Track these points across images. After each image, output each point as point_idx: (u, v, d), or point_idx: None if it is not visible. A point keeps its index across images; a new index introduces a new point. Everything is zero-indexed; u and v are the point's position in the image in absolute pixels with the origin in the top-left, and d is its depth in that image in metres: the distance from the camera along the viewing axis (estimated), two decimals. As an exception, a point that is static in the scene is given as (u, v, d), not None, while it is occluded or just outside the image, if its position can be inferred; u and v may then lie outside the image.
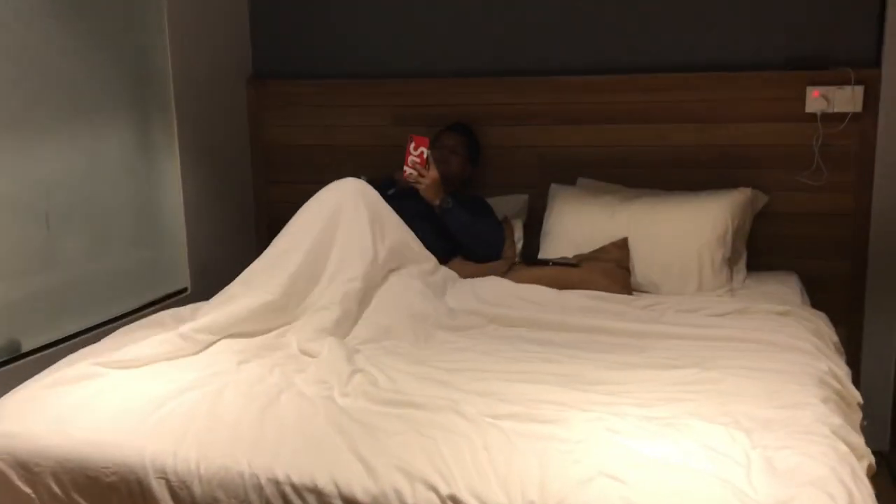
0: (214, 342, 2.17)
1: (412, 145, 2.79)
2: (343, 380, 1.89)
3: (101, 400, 1.84)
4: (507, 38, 3.25)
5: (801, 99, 2.94)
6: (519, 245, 3.09)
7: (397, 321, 2.32)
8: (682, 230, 2.79)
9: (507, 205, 3.18)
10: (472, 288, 2.59)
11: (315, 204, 2.52)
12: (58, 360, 2.22)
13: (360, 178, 3.28)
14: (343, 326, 2.28)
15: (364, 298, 2.38)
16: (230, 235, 3.44)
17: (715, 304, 2.52)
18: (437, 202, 2.81)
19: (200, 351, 2.13)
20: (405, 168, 2.79)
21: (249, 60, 3.53)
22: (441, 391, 1.85)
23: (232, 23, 3.43)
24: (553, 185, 3.14)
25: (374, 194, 2.59)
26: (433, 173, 2.79)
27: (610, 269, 2.69)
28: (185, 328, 2.16)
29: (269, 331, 2.25)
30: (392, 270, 2.53)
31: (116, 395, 1.86)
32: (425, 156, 2.79)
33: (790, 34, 2.98)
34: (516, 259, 2.96)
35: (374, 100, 3.37)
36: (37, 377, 2.01)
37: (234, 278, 2.45)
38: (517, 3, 3.22)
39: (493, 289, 2.58)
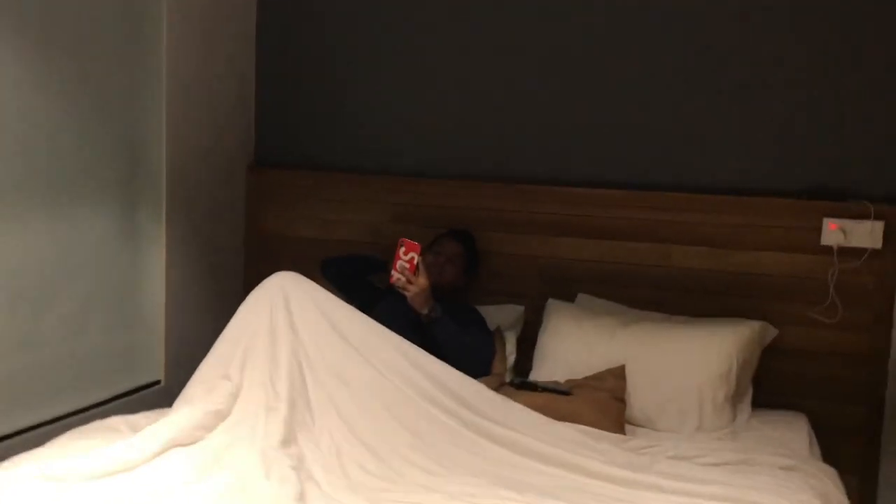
0: (165, 451, 2.01)
1: (402, 250, 2.66)
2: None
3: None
4: (514, 143, 3.16)
5: (818, 230, 2.80)
6: (510, 359, 2.92)
7: (357, 433, 2.14)
8: (684, 363, 2.62)
9: (500, 315, 3.03)
10: (458, 387, 2.39)
11: (245, 304, 2.45)
12: (8, 455, 2.08)
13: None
14: (293, 422, 2.12)
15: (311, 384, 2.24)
16: (212, 328, 3.25)
17: (714, 451, 2.32)
18: (424, 311, 2.66)
19: (149, 460, 1.97)
20: (392, 272, 2.66)
21: (252, 148, 3.45)
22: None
23: (237, 109, 3.36)
24: (550, 301, 2.99)
25: (302, 286, 2.47)
26: (422, 281, 2.65)
27: (603, 401, 2.51)
28: (137, 440, 2.00)
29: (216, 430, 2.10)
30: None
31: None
32: (416, 262, 2.65)
33: (810, 163, 2.86)
34: (507, 377, 2.79)
35: (374, 196, 3.28)
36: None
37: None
38: (528, 109, 3.14)
39: (482, 396, 2.38)
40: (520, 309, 3.08)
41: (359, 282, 3.02)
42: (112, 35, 2.73)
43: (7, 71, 2.36)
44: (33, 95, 2.45)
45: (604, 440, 2.29)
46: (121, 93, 2.79)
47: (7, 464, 1.95)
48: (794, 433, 2.58)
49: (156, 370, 3.02)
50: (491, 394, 2.37)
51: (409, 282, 2.63)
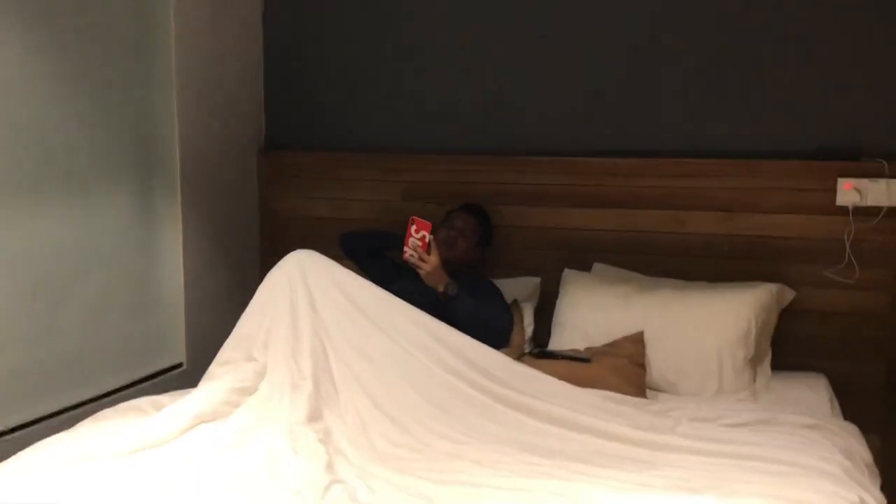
0: (192, 427, 2.04)
1: (413, 228, 2.67)
2: (319, 491, 1.73)
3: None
4: (523, 116, 3.15)
5: (832, 191, 2.79)
6: (529, 331, 2.93)
7: (381, 405, 2.16)
8: (702, 327, 2.62)
9: (517, 287, 3.04)
10: (479, 358, 2.39)
11: (263, 285, 2.46)
12: (36, 440, 2.10)
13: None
14: (318, 398, 2.14)
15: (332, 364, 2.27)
16: (231, 309, 3.27)
17: (735, 412, 2.33)
18: (440, 289, 2.67)
19: (177, 437, 1.99)
20: (405, 249, 2.67)
21: (263, 131, 3.46)
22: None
23: (246, 93, 3.36)
24: (566, 271, 2.99)
25: (318, 263, 2.47)
26: (434, 259, 2.66)
27: (623, 367, 2.52)
28: (163, 416, 2.03)
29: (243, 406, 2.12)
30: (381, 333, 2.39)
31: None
32: (427, 240, 2.66)
33: (822, 122, 2.85)
34: (525, 348, 2.80)
35: (385, 174, 3.28)
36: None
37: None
38: (537, 80, 3.13)
39: (503, 366, 2.39)
40: (536, 281, 3.08)
41: (377, 258, 3.03)
42: (120, 22, 2.73)
43: (18, 62, 2.37)
44: (44, 86, 2.46)
45: (626, 404, 2.30)
46: (131, 79, 2.79)
47: (37, 445, 1.97)
48: (814, 394, 2.58)
49: (178, 353, 3.05)
50: (512, 363, 2.38)
51: (421, 259, 2.64)
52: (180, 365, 3.05)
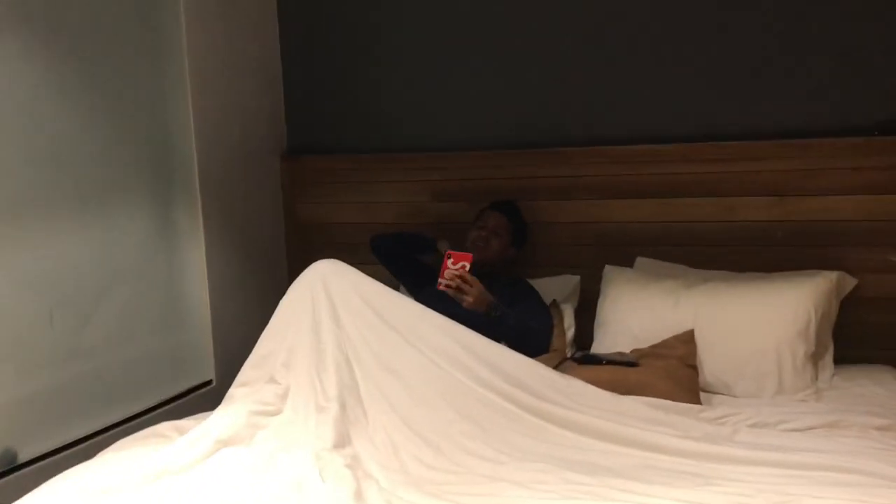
0: (214, 452, 1.93)
1: (450, 261, 2.52)
2: (348, 523, 1.60)
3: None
4: (555, 105, 2.99)
5: (893, 169, 2.58)
6: (570, 333, 2.78)
7: (412, 424, 2.02)
8: (758, 322, 2.44)
9: (555, 287, 2.88)
10: (515, 370, 2.24)
11: (284, 301, 2.34)
12: (59, 469, 2.01)
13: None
14: (345, 421, 2.01)
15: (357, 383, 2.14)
16: (260, 322, 3.17)
17: (799, 414, 2.15)
18: (483, 310, 2.52)
19: (199, 463, 1.88)
20: (440, 280, 2.52)
21: (284, 136, 3.34)
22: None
23: (265, 97, 3.25)
24: (608, 267, 2.82)
25: (343, 274, 2.34)
26: (477, 287, 2.50)
27: (674, 369, 2.34)
28: (184, 442, 1.92)
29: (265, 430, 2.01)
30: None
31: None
32: (467, 268, 2.52)
33: (881, 96, 2.63)
34: (567, 353, 2.64)
35: (412, 175, 3.15)
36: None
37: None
38: (565, 69, 2.96)
39: (540, 377, 2.23)
40: (575, 279, 2.92)
41: (408, 261, 2.89)
42: (130, 31, 2.64)
43: (30, 76, 2.29)
44: (55, 99, 2.37)
45: (676, 411, 2.14)
46: (144, 91, 2.70)
47: (60, 477, 1.88)
48: (882, 388, 2.38)
49: (206, 370, 2.95)
50: (549, 373, 2.22)
51: (461, 290, 2.49)
52: (210, 382, 2.96)
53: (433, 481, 1.83)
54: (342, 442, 1.93)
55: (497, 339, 2.32)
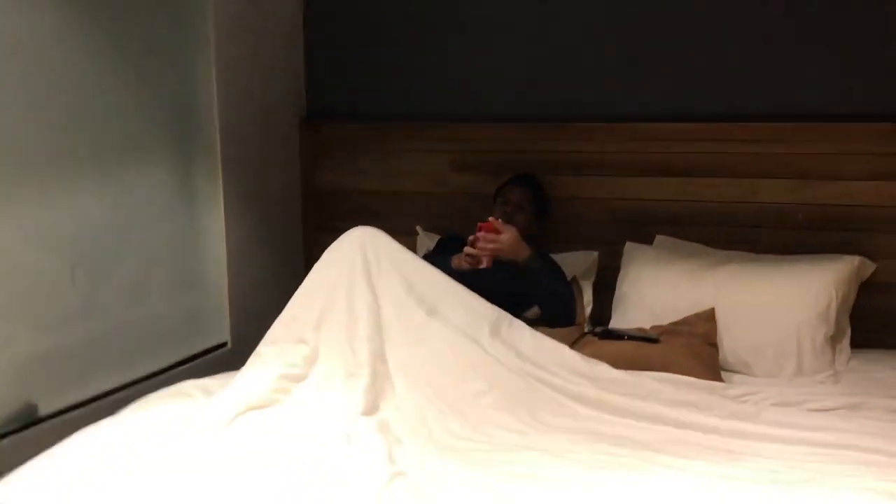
0: (241, 414, 1.93)
1: (481, 234, 2.50)
2: (381, 484, 1.61)
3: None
4: (579, 80, 2.97)
5: (918, 155, 2.59)
6: (588, 309, 2.78)
7: (442, 394, 2.02)
8: (779, 303, 2.45)
9: (573, 262, 2.87)
10: (536, 349, 2.26)
11: (320, 263, 2.31)
12: (79, 425, 2.01)
13: (416, 229, 3.05)
14: (375, 390, 2.01)
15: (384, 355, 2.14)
16: (275, 286, 3.19)
17: (820, 395, 2.17)
18: (521, 259, 2.51)
19: (227, 425, 1.88)
20: (465, 249, 2.49)
21: (303, 101, 3.31)
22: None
23: (286, 62, 3.22)
24: (629, 244, 2.82)
25: (380, 243, 2.32)
26: (511, 233, 2.49)
27: (696, 346, 2.35)
28: (213, 405, 1.92)
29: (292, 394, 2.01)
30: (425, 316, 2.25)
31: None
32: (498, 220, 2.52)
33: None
34: (586, 328, 2.65)
35: (433, 144, 3.13)
36: (45, 455, 1.78)
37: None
38: (591, 44, 2.94)
39: (565, 357, 2.24)
40: (593, 255, 2.92)
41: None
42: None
43: (54, 35, 2.26)
44: (77, 57, 2.34)
45: (702, 389, 2.15)
46: (168, 50, 2.67)
47: (86, 434, 1.88)
48: (900, 373, 2.40)
49: (222, 332, 2.95)
50: (573, 356, 2.22)
51: (492, 241, 2.46)
52: (225, 344, 2.95)
53: (462, 449, 1.83)
54: (371, 409, 1.93)
55: (528, 304, 2.31)
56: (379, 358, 2.07)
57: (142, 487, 1.63)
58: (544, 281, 2.52)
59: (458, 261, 2.51)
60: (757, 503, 1.57)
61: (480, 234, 2.47)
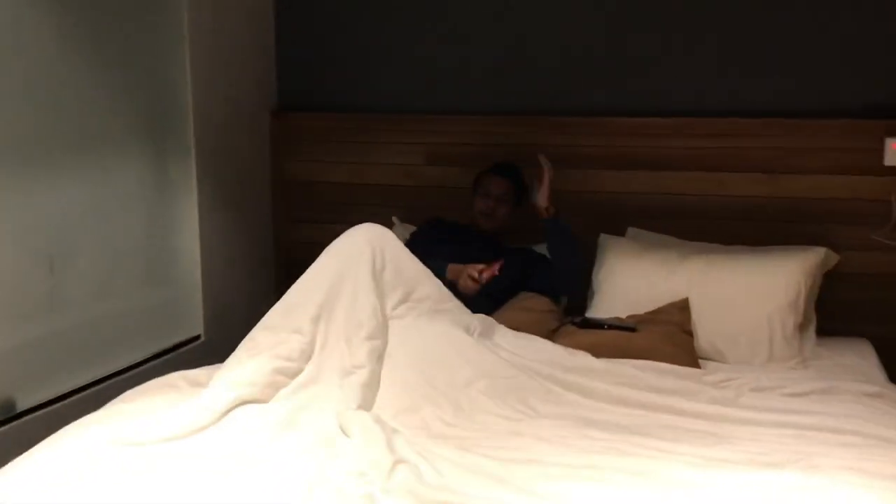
0: (235, 408, 1.91)
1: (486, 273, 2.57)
2: (384, 473, 1.62)
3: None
4: (552, 73, 3.02)
5: (879, 150, 2.70)
6: (563, 300, 2.83)
7: (433, 382, 2.05)
8: (751, 292, 2.54)
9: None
10: (519, 347, 2.31)
11: (327, 254, 2.31)
12: (58, 419, 1.98)
13: (392, 220, 3.06)
14: (372, 388, 2.03)
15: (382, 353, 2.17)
16: (248, 278, 3.18)
17: (793, 381, 2.26)
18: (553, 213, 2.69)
19: (219, 420, 1.87)
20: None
21: (275, 92, 3.29)
22: (498, 491, 1.58)
23: (257, 53, 3.19)
24: (603, 236, 2.88)
25: (388, 243, 2.36)
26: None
27: (673, 334, 2.42)
28: (206, 398, 1.90)
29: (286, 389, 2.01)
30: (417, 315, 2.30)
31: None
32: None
33: (868, 79, 2.74)
34: (564, 318, 2.70)
35: (406, 137, 3.14)
36: (36, 451, 1.75)
37: (250, 325, 2.20)
38: (564, 38, 2.99)
39: (542, 352, 2.30)
40: (567, 247, 2.96)
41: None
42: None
43: (30, 22, 2.21)
44: (55, 46, 2.30)
45: (682, 377, 2.21)
46: (143, 40, 2.63)
47: (76, 428, 1.84)
48: (864, 360, 2.51)
49: (195, 325, 2.91)
50: (555, 350, 2.29)
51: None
52: (198, 337, 2.92)
53: (456, 437, 1.86)
54: (366, 406, 1.95)
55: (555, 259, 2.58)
56: (378, 357, 2.08)
57: (131, 485, 1.60)
58: (569, 234, 2.67)
59: (463, 283, 2.56)
60: (745, 484, 1.63)
61: (486, 275, 2.52)
